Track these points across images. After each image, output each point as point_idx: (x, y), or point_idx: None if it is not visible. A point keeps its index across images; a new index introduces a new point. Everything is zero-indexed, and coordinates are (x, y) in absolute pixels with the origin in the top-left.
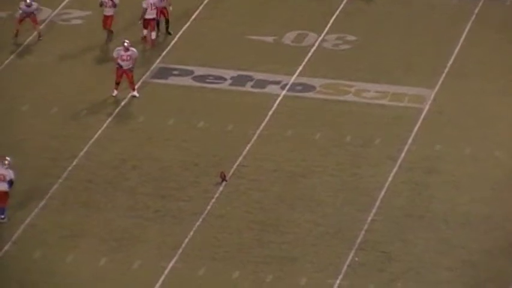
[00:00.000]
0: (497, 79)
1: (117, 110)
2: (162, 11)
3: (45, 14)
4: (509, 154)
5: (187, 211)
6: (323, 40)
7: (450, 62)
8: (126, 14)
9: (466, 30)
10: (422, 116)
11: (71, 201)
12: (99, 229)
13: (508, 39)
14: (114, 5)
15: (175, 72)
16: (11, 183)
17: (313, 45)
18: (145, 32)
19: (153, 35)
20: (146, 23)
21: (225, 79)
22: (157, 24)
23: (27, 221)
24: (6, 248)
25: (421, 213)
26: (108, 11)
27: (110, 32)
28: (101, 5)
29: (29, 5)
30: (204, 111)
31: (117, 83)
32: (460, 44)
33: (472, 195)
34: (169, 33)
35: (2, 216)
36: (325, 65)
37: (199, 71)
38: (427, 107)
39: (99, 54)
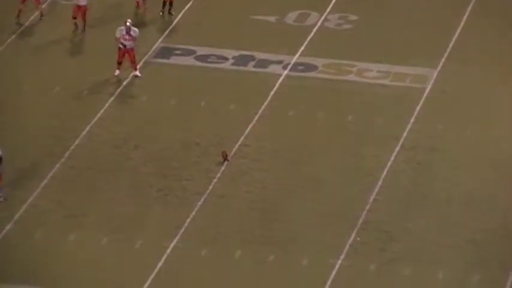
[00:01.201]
0: (499, 58)
1: (119, 90)
2: None
3: None
4: (510, 134)
5: (189, 191)
6: (325, 20)
7: (452, 42)
8: None
9: (469, 8)
10: (424, 96)
11: (72, 181)
12: (101, 209)
13: (510, 16)
14: None
15: (177, 51)
16: (0, 161)
17: (315, 24)
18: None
19: None
20: None
21: (227, 59)
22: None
23: (29, 201)
24: (7, 227)
25: (423, 192)
26: (82, 1)
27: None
28: None
29: None
30: (206, 91)
31: (119, 63)
32: (462, 23)
33: (474, 174)
34: (171, 14)
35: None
36: (327, 44)
37: (202, 50)
38: (429, 87)
39: (101, 33)
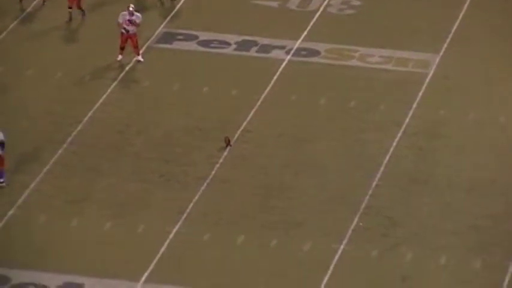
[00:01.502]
0: (503, 43)
1: (121, 75)
2: None
3: None
4: None
5: (192, 176)
6: (328, 5)
7: (455, 27)
8: None
9: None
10: (427, 81)
11: (75, 166)
12: (104, 194)
13: None
14: None
15: (179, 37)
16: (2, 145)
17: (318, 10)
18: None
19: None
20: None
21: (230, 44)
22: None
23: (31, 186)
24: (10, 212)
25: (425, 178)
26: None
27: (82, 11)
28: None
29: None
30: (209, 76)
31: (122, 48)
32: (465, 8)
33: (476, 160)
34: (173, 0)
35: (1, 180)
36: (330, 30)
37: (204, 36)
38: (431, 72)
39: (103, 19)
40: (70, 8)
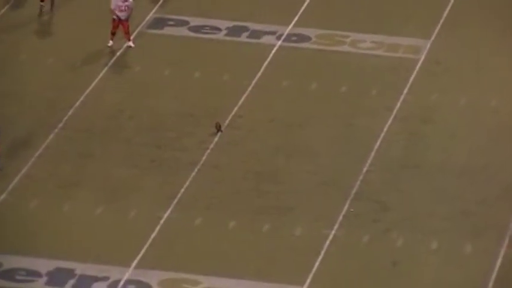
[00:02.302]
0: (493, 28)
1: (112, 60)
2: None
3: None
4: (505, 103)
5: (183, 161)
6: None
7: (446, 11)
8: None
9: None
10: (418, 66)
11: (67, 151)
12: (96, 179)
13: None
14: None
15: (170, 22)
16: None
17: None
18: None
19: None
20: None
21: (221, 29)
22: None
23: (23, 171)
24: (2, 197)
25: (417, 163)
26: None
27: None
28: None
29: None
30: (200, 62)
31: (113, 33)
32: None
33: (468, 145)
34: None
35: None
36: (320, 15)
37: (195, 21)
38: (422, 57)
39: (94, 4)
40: (42, 0)
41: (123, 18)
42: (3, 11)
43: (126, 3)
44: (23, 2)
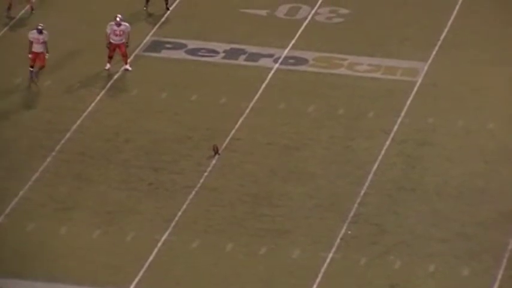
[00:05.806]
0: (491, 49)
1: (110, 83)
2: None
3: None
4: (502, 126)
5: (180, 184)
6: (316, 13)
7: (444, 34)
8: None
9: (459, 2)
10: (415, 89)
11: (64, 174)
12: (93, 202)
13: (501, 8)
14: None
15: (168, 45)
16: None
17: (306, 18)
18: None
19: None
20: None
21: (218, 52)
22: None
23: (20, 194)
24: None
25: (413, 186)
26: None
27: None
28: None
29: None
30: (197, 85)
31: (110, 57)
32: (453, 17)
33: (465, 167)
34: (168, 9)
35: None
36: (318, 38)
37: (192, 44)
38: (420, 80)
39: (92, 27)
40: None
41: (118, 42)
42: (1, 33)
43: (121, 27)
44: (22, 24)
